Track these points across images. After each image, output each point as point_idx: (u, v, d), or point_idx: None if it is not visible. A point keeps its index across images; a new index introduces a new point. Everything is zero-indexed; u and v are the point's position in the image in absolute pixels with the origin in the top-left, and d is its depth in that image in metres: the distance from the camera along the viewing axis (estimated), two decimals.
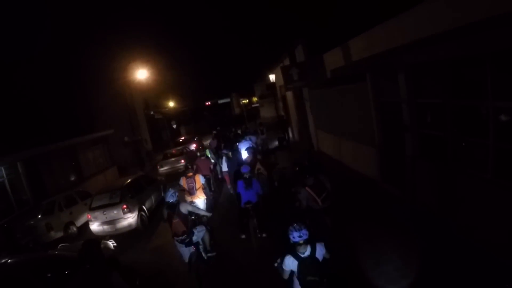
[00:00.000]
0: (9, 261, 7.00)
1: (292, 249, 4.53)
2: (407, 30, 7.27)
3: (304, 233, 4.39)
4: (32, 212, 13.98)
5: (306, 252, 4.47)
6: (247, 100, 70.83)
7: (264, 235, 9.09)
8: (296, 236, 4.39)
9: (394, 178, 9.84)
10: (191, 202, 9.88)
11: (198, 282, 7.25)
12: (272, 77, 26.09)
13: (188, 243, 7.42)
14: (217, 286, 7.49)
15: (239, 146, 14.42)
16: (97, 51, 27.26)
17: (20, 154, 16.56)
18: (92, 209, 12.14)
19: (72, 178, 21.23)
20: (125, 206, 11.74)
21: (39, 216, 13.01)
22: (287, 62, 17.97)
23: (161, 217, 8.58)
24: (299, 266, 4.45)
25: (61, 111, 21.68)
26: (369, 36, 9.29)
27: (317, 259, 4.49)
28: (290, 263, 4.51)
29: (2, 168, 15.75)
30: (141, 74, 28.77)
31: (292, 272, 4.57)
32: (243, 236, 9.20)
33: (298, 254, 4.48)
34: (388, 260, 6.60)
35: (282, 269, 4.62)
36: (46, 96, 20.57)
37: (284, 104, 26.65)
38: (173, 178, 17.91)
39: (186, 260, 7.56)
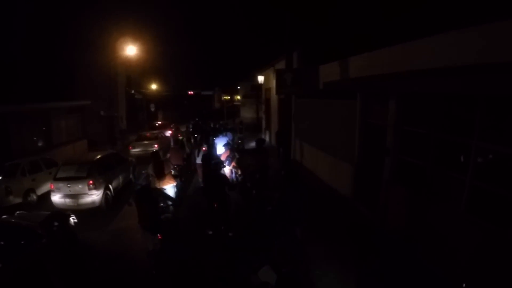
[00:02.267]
0: None
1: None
2: (405, 59, 7.33)
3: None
4: None
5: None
6: (229, 97, 70.65)
7: (230, 234, 9.01)
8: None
9: (367, 198, 9.94)
10: (161, 189, 9.74)
11: (157, 271, 7.12)
12: (260, 79, 26.08)
13: (154, 230, 7.28)
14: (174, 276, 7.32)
15: (215, 141, 14.34)
16: (87, 17, 26.48)
17: None
18: (56, 179, 11.75)
19: (40, 144, 20.43)
20: (91, 181, 11.41)
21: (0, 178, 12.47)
22: (279, 66, 17.89)
23: (127, 199, 8.41)
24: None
25: (40, 72, 20.96)
26: (368, 57, 9.30)
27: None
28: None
29: None
30: (129, 50, 28.30)
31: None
32: (210, 232, 9.09)
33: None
34: (347, 278, 6.61)
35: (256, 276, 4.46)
36: (27, 54, 19.86)
37: (266, 107, 26.61)
38: (143, 161, 17.61)
39: (149, 247, 7.43)
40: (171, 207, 8.57)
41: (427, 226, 7.01)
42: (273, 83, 20.36)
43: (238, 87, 56.79)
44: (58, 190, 11.58)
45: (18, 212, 9.71)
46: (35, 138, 20.01)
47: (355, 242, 7.88)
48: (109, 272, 7.59)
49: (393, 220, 8.37)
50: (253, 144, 21.87)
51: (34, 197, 13.11)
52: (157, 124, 30.77)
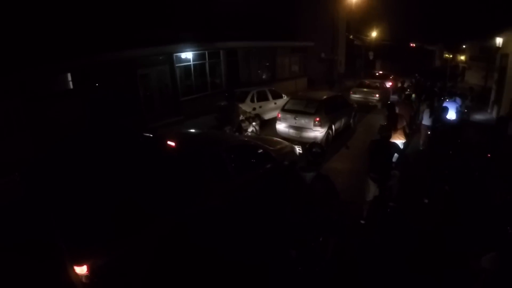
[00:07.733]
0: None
1: None
2: None
3: None
4: (222, 96, 14.92)
5: None
6: (451, 56, 62.43)
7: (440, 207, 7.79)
8: None
9: None
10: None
11: (366, 221, 7.04)
12: (498, 40, 21.78)
13: (380, 183, 6.75)
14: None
15: (445, 105, 12.57)
16: None
17: (225, 44, 18.79)
18: (284, 110, 12.49)
19: (264, 77, 22.93)
20: (318, 118, 11.58)
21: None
22: None
23: (344, 142, 8.15)
24: None
25: (267, 14, 22.09)
26: None
27: None
28: None
29: (206, 53, 18.30)
30: None
31: None
32: (426, 201, 8.03)
33: None
34: None
35: None
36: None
37: (500, 77, 22.19)
38: (362, 108, 17.12)
39: (368, 198, 6.99)
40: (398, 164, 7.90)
41: None
42: None
43: (464, 46, 49.93)
44: (284, 120, 12.26)
45: (248, 132, 11.26)
46: (260, 72, 22.69)
47: None
48: None
49: None
50: (479, 117, 18.92)
51: (258, 121, 14.12)
52: (377, 74, 29.35)
